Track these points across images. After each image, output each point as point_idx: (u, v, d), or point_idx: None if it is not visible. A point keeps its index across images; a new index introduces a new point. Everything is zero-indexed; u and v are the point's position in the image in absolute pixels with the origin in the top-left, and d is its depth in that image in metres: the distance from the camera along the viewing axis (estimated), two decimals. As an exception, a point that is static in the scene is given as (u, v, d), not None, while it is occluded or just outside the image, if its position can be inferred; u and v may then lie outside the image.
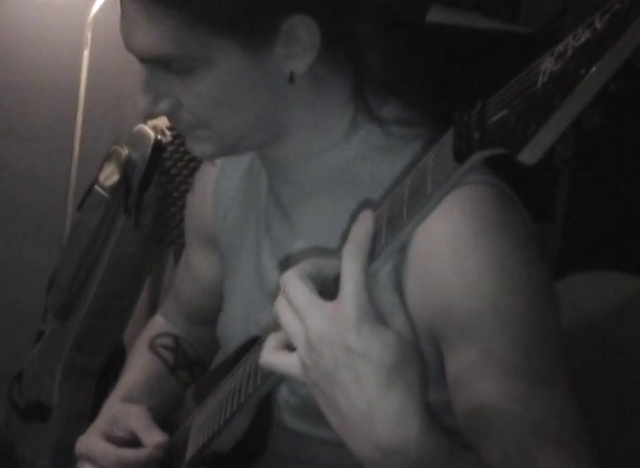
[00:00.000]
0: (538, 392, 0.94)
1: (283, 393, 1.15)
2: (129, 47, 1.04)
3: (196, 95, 1.04)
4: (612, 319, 1.33)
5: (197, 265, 1.39)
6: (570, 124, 0.69)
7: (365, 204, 1.06)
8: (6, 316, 2.73)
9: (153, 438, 1.23)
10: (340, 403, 0.83)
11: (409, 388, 0.81)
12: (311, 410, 1.00)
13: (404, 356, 0.82)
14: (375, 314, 0.82)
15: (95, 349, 2.37)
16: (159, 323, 1.48)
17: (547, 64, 0.70)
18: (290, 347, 0.88)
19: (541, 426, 0.93)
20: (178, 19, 1.00)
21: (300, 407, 1.14)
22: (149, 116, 1.09)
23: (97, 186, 2.33)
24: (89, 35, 2.49)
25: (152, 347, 1.42)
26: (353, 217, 0.87)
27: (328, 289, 0.86)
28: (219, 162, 1.28)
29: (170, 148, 2.30)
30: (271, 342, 0.90)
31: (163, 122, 2.26)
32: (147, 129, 2.29)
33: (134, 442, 1.25)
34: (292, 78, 1.05)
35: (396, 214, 0.84)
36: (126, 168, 2.28)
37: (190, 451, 1.22)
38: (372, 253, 0.84)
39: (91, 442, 1.27)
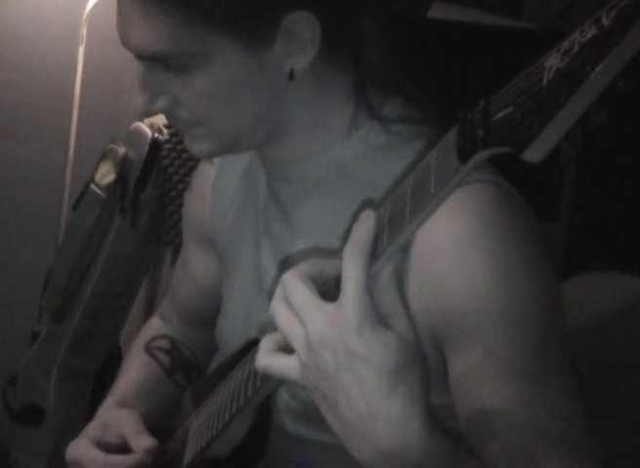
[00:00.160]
0: (541, 393, 0.94)
1: (283, 396, 1.15)
2: (125, 44, 1.04)
3: (194, 92, 1.04)
4: (617, 319, 1.33)
5: (195, 266, 1.39)
6: (576, 122, 0.69)
7: (366, 203, 1.06)
8: (0, 317, 2.73)
9: (142, 443, 1.23)
10: (340, 406, 0.83)
11: (411, 391, 0.81)
12: (311, 414, 1.00)
13: (406, 358, 0.82)
14: (376, 316, 0.82)
15: (91, 351, 2.37)
16: (155, 325, 1.48)
17: (553, 61, 0.70)
18: (287, 349, 0.88)
19: (545, 427, 0.93)
20: (175, 15, 1.00)
21: (301, 410, 1.14)
22: (146, 114, 1.08)
23: (92, 185, 2.32)
24: (84, 31, 2.49)
25: (148, 350, 1.42)
26: (354, 217, 0.87)
27: (329, 290, 0.85)
28: (217, 161, 1.28)
29: (167, 146, 2.30)
30: (267, 344, 0.89)
31: (160, 120, 2.25)
32: (144, 127, 2.28)
33: (125, 448, 1.25)
34: (292, 75, 1.05)
35: (398, 214, 0.83)
36: (122, 166, 2.27)
37: (188, 455, 1.22)
38: (373, 254, 0.84)
39: (81, 448, 1.27)
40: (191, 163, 2.25)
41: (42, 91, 2.66)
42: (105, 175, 2.30)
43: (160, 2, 0.99)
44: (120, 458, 1.24)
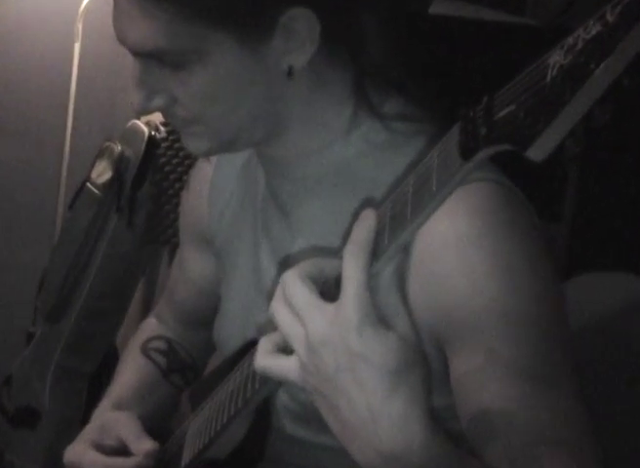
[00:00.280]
0: (544, 393, 0.95)
1: (282, 398, 1.15)
2: (122, 40, 1.04)
3: (191, 90, 1.04)
4: (620, 320, 1.33)
5: (192, 266, 1.39)
6: (579, 120, 0.69)
7: (367, 202, 1.06)
8: (-5, 318, 2.73)
9: (143, 446, 1.23)
10: (341, 408, 0.83)
11: (412, 392, 0.81)
12: (311, 416, 1.00)
13: (407, 359, 0.81)
14: (377, 316, 0.82)
15: (87, 352, 2.37)
16: (152, 325, 1.48)
17: (557, 58, 0.69)
18: (286, 350, 0.88)
19: (547, 428, 0.93)
20: (171, 11, 1.00)
21: (300, 412, 1.14)
22: (143, 112, 1.08)
23: (88, 184, 2.32)
24: (80, 28, 2.48)
25: (144, 351, 1.42)
26: (355, 216, 0.87)
27: (329, 290, 0.85)
28: (214, 159, 1.28)
29: (164, 145, 2.30)
30: (265, 345, 0.89)
31: (157, 117, 2.25)
32: (141, 124, 2.29)
33: (123, 450, 1.25)
34: (290, 73, 1.04)
35: (399, 213, 0.83)
36: (119, 165, 2.27)
37: (186, 457, 1.22)
38: (374, 253, 0.84)
39: (79, 451, 1.27)
40: (188, 161, 2.25)
41: (37, 88, 2.65)
42: (102, 173, 2.30)
43: (157, -2, 0.99)
44: (120, 461, 1.24)
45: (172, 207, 2.31)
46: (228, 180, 1.27)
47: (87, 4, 2.44)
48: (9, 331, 2.60)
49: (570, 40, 0.69)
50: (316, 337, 0.82)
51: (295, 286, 0.84)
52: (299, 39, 1.03)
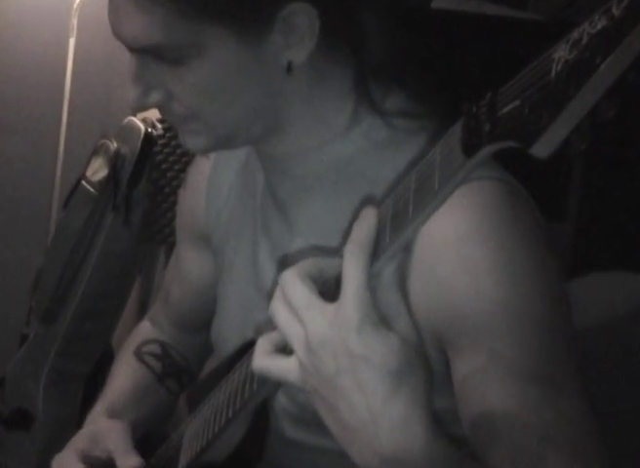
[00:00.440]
0: (547, 394, 0.95)
1: (281, 400, 1.14)
2: (117, 35, 1.04)
3: (188, 85, 1.04)
4: (625, 319, 1.33)
5: (188, 265, 1.39)
6: (585, 115, 0.68)
7: (367, 200, 1.06)
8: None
9: (129, 462, 1.23)
10: (341, 410, 0.83)
11: (414, 394, 0.81)
12: (310, 418, 1.00)
13: (408, 360, 0.81)
14: (378, 316, 0.82)
15: (82, 353, 2.37)
16: (146, 329, 1.48)
17: (561, 53, 0.69)
18: (285, 350, 0.87)
19: (551, 429, 0.93)
20: (168, 6, 0.99)
21: (299, 414, 1.14)
22: (139, 108, 1.08)
23: (84, 182, 2.33)
24: (75, 22, 2.48)
25: (138, 355, 1.42)
26: (355, 215, 0.86)
27: (329, 289, 0.85)
28: (212, 156, 1.28)
29: (161, 142, 2.30)
30: (264, 345, 0.89)
31: (154, 114, 2.25)
32: (137, 121, 2.28)
33: (111, 463, 1.25)
34: (289, 68, 1.04)
35: (401, 211, 0.83)
36: (115, 162, 2.27)
37: (183, 460, 1.22)
38: (375, 253, 0.84)
39: (66, 461, 1.27)
40: (186, 158, 2.25)
41: (32, 83, 2.65)
42: (97, 171, 2.30)
43: (153, -8, 0.99)
44: None
45: (169, 205, 2.31)
46: (227, 178, 1.27)
47: (82, -1, 2.44)
48: (2, 333, 2.60)
49: (575, 34, 0.69)
50: (316, 338, 0.82)
51: (294, 285, 0.84)
52: (298, 34, 1.03)
